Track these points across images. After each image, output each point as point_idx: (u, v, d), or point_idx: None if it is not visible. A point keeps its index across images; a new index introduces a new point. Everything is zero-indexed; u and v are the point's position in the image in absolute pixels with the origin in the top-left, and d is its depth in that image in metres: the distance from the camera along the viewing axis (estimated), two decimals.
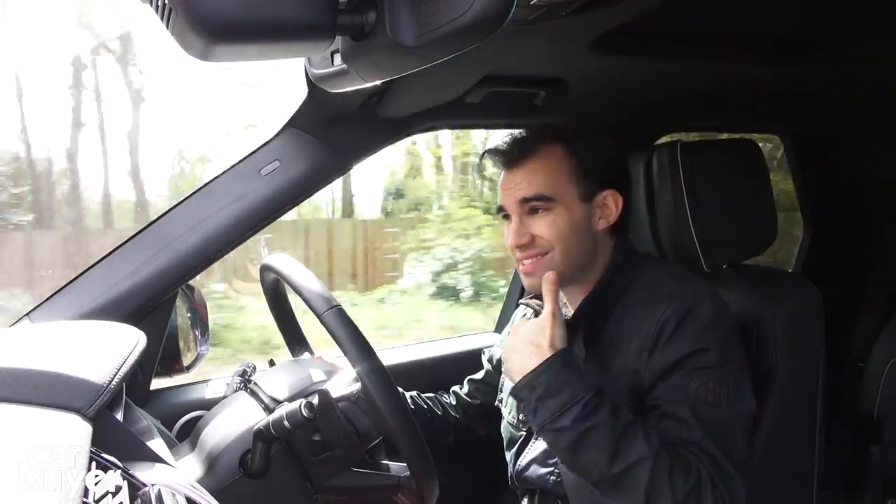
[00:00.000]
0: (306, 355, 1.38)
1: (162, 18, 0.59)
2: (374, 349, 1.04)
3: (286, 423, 1.01)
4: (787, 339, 1.23)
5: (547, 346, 1.07)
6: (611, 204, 1.22)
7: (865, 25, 1.23)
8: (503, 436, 1.39)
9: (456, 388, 1.56)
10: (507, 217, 1.24)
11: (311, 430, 1.07)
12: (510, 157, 1.23)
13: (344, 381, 1.13)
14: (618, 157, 1.30)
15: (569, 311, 1.29)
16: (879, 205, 2.06)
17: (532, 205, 1.20)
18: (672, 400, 1.08)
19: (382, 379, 1.01)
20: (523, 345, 1.09)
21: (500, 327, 2.01)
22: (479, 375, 1.54)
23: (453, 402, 1.53)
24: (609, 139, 1.27)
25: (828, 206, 2.13)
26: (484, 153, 1.29)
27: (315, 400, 1.03)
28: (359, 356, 1.02)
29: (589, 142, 1.23)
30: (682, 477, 1.01)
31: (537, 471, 1.27)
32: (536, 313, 1.31)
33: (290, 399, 1.11)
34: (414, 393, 1.46)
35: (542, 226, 1.19)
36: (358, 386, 1.09)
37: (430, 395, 1.51)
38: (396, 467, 1.10)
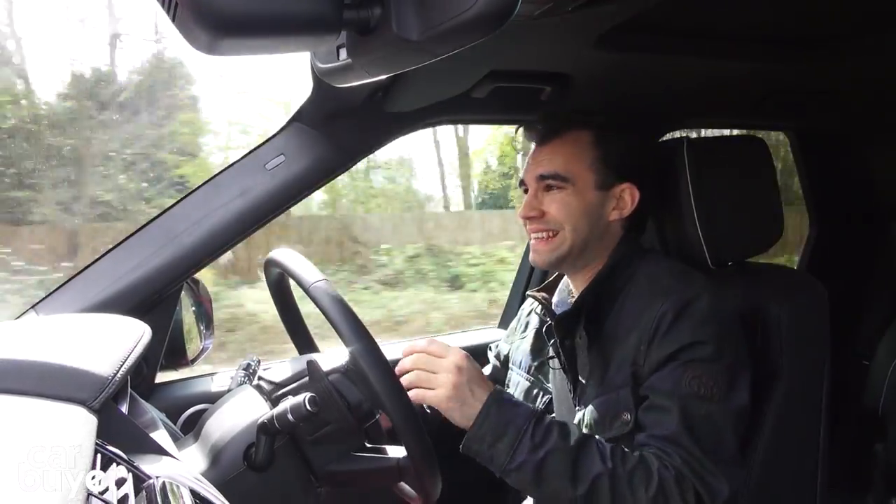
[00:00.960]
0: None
1: (167, 12, 0.59)
2: (364, 324, 1.05)
3: (290, 416, 1.01)
4: (793, 336, 1.22)
5: (475, 393, 1.08)
6: (627, 197, 1.23)
7: (873, 21, 1.22)
8: None
9: None
10: (526, 191, 1.27)
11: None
12: (539, 134, 1.27)
13: (336, 356, 1.14)
14: (645, 154, 1.31)
15: (571, 300, 1.30)
16: (885, 202, 2.06)
17: (547, 182, 1.22)
18: (660, 391, 1.09)
19: (371, 349, 1.01)
20: (457, 398, 1.08)
21: (504, 321, 2.01)
22: (486, 371, 1.54)
23: None
24: (641, 135, 1.30)
25: (834, 204, 2.13)
26: (518, 127, 1.33)
27: (313, 392, 1.04)
28: (347, 327, 1.02)
29: (618, 133, 1.25)
30: (643, 486, 1.03)
31: None
32: (543, 305, 1.31)
33: (291, 382, 1.12)
34: None
35: (553, 202, 1.22)
36: (345, 357, 1.11)
37: None
38: (395, 451, 1.10)
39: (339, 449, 1.09)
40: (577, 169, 1.21)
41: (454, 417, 1.09)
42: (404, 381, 1.08)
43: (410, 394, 1.07)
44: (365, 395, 1.10)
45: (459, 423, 1.09)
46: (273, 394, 1.12)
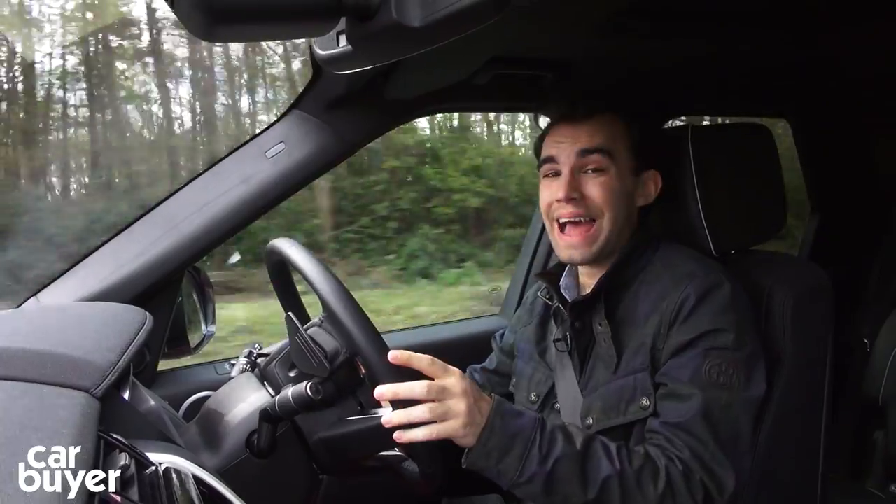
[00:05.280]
0: None
1: None
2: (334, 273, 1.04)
3: (292, 403, 1.01)
4: (796, 323, 1.22)
5: (482, 409, 1.01)
6: (651, 184, 1.23)
7: (877, 5, 1.21)
8: None
9: (466, 374, 1.53)
10: (550, 174, 1.21)
11: (286, 366, 1.11)
12: (575, 110, 1.21)
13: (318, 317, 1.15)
14: (664, 141, 1.31)
15: (585, 290, 1.29)
16: (888, 188, 2.05)
17: (590, 159, 1.17)
18: (678, 379, 1.09)
19: (341, 293, 1.00)
20: (472, 423, 0.99)
21: (506, 310, 2.01)
22: (491, 365, 1.53)
23: None
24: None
25: (835, 190, 2.12)
26: (546, 101, 1.29)
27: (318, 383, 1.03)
28: (318, 276, 1.01)
29: (642, 120, 1.24)
30: (651, 484, 1.02)
31: None
32: (553, 289, 1.30)
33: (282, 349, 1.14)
34: None
35: (595, 185, 1.17)
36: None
37: None
38: (383, 411, 1.07)
39: (331, 417, 1.08)
40: (621, 147, 1.19)
41: (467, 441, 1.00)
42: (416, 417, 0.97)
43: (423, 431, 0.97)
44: (341, 343, 1.08)
45: (469, 445, 1.01)
46: (263, 365, 1.14)
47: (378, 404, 1.10)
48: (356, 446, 1.09)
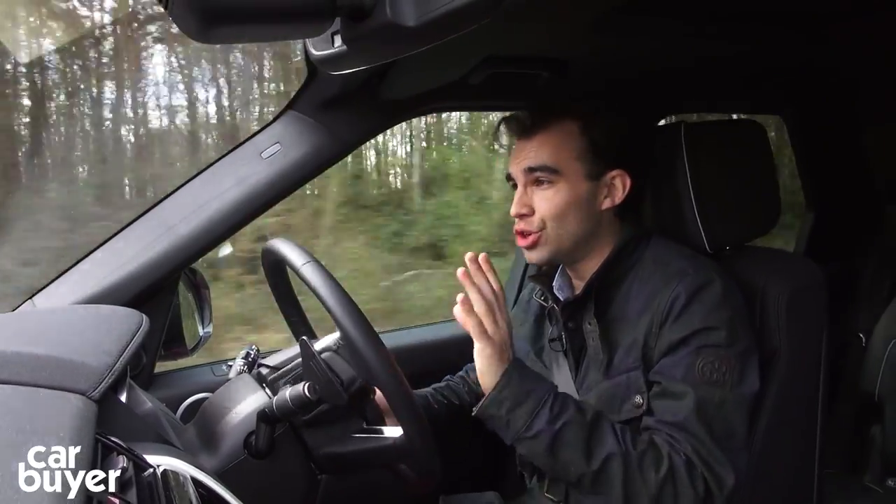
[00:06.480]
0: None
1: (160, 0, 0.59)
2: (354, 301, 1.04)
3: (290, 404, 1.01)
4: (791, 319, 1.23)
5: (505, 356, 1.10)
6: (618, 184, 1.22)
7: (873, 3, 1.21)
8: None
9: (462, 373, 1.53)
10: (515, 186, 1.25)
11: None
12: (523, 127, 1.23)
13: (330, 338, 1.15)
14: (632, 138, 1.30)
15: (578, 290, 1.29)
16: (883, 184, 2.05)
17: (536, 175, 1.20)
18: (672, 377, 1.09)
19: (361, 324, 1.00)
20: (498, 355, 1.11)
21: None
22: None
23: (464, 388, 1.49)
24: (630, 119, 1.27)
25: (830, 187, 2.12)
26: (501, 120, 1.29)
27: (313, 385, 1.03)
28: (337, 303, 1.01)
29: (604, 120, 1.23)
30: (652, 469, 1.04)
31: None
32: (545, 289, 1.31)
33: (287, 365, 1.15)
34: (430, 391, 1.44)
35: (542, 199, 1.20)
36: (338, 335, 1.11)
37: (442, 385, 1.49)
38: (393, 431, 1.09)
39: (337, 431, 1.09)
40: (565, 160, 1.19)
41: (487, 374, 1.09)
42: (474, 301, 1.10)
43: (470, 319, 1.10)
44: (358, 372, 1.09)
45: (484, 383, 1.10)
46: (270, 377, 1.13)
47: (383, 422, 1.14)
48: (361, 463, 1.10)
